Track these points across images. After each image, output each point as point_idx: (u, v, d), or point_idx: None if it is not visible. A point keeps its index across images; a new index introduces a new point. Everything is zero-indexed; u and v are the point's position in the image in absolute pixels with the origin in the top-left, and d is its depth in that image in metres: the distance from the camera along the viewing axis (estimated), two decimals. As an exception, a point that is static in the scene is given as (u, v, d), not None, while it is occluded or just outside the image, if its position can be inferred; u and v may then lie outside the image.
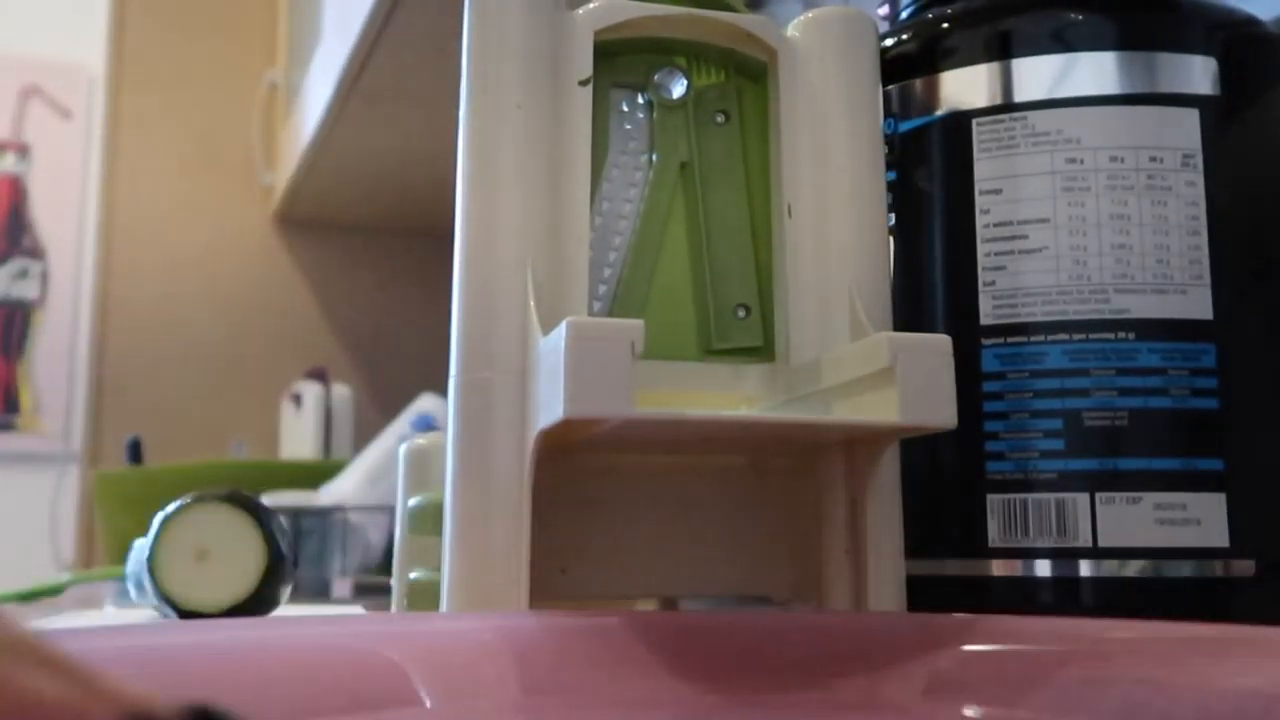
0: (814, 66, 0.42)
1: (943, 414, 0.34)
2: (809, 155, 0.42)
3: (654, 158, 0.42)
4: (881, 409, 0.34)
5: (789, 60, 0.42)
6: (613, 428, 0.33)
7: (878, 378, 0.34)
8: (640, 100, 0.42)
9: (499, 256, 0.38)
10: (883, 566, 0.38)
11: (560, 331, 0.32)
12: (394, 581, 0.53)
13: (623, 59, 0.42)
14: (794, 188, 0.41)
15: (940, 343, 0.34)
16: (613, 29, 0.40)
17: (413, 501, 0.46)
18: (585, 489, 0.39)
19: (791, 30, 0.43)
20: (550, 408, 0.33)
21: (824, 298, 0.41)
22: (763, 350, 0.41)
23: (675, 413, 0.33)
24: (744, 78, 0.43)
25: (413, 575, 0.45)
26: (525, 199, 0.38)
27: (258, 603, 0.49)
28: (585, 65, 0.40)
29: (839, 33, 0.42)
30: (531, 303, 0.37)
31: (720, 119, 0.42)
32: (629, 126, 0.42)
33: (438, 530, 0.41)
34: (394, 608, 0.52)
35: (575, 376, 0.31)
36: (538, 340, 0.35)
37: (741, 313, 0.41)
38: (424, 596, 0.43)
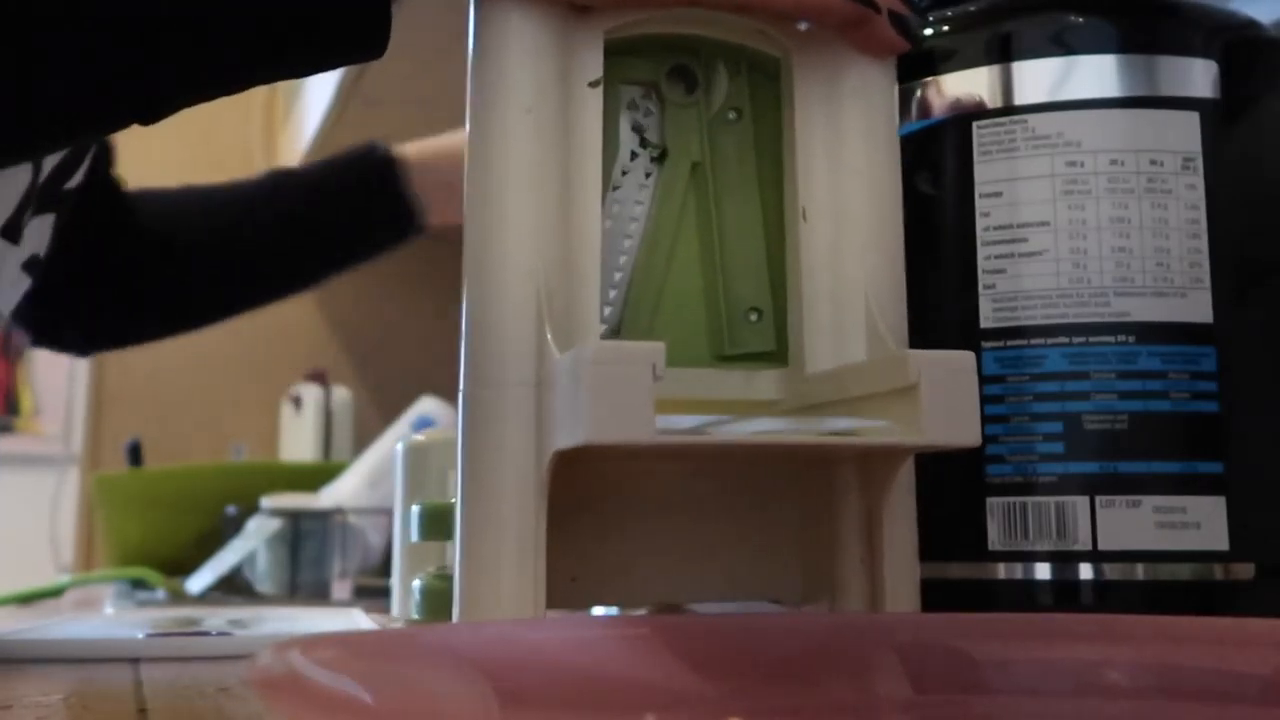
0: (828, 64, 0.41)
1: (967, 432, 0.33)
2: (823, 156, 0.41)
3: (665, 156, 0.41)
4: (903, 425, 0.34)
5: (803, 57, 0.41)
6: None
7: (900, 394, 0.34)
8: (651, 98, 0.41)
9: (508, 265, 0.37)
10: (898, 575, 0.38)
11: (580, 354, 0.31)
12: (394, 584, 0.53)
13: (633, 56, 0.41)
14: (808, 190, 0.40)
15: (964, 359, 0.34)
16: (623, 27, 0.39)
17: (415, 507, 0.45)
18: (596, 497, 0.38)
19: (805, 26, 0.42)
20: (570, 431, 0.32)
21: (838, 302, 0.40)
22: (775, 355, 0.40)
23: (698, 437, 0.32)
24: (757, 74, 0.42)
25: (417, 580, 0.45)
26: (535, 205, 0.37)
27: None
28: (595, 67, 0.39)
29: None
30: (544, 313, 0.36)
31: (732, 116, 0.42)
32: (639, 125, 0.41)
33: (443, 535, 0.40)
34: (395, 610, 0.52)
35: (596, 402, 0.31)
36: (551, 351, 0.35)
37: (754, 316, 0.41)
38: (438, 600, 0.42)
